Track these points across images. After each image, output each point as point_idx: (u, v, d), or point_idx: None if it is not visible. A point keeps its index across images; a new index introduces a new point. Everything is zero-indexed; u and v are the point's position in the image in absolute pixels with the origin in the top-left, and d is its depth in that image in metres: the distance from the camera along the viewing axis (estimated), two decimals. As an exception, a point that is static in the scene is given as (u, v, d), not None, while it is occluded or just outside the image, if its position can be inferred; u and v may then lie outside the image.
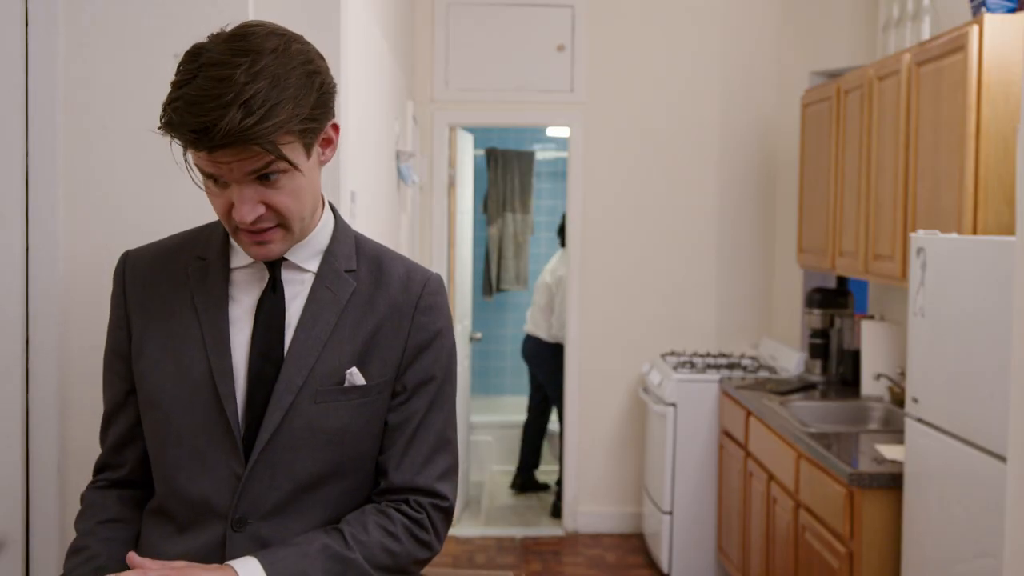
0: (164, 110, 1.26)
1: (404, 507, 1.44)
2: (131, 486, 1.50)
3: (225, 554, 1.37)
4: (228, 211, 1.33)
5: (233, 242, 1.43)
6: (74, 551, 1.43)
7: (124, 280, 1.47)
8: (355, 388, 1.41)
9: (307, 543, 1.36)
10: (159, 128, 1.27)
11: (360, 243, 1.51)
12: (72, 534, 1.48)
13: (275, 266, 1.43)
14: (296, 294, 1.44)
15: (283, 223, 1.36)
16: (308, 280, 1.44)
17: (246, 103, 1.23)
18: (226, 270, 1.44)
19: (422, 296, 1.47)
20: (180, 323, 1.42)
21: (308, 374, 1.39)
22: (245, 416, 1.39)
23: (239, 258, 1.44)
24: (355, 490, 1.46)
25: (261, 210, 1.32)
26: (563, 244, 5.74)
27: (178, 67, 1.28)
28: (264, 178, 1.30)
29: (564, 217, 5.74)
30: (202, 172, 1.31)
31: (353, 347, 1.42)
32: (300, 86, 1.28)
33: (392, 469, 1.45)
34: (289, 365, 1.39)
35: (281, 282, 1.43)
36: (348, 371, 1.41)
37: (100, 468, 1.52)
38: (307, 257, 1.44)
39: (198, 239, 1.48)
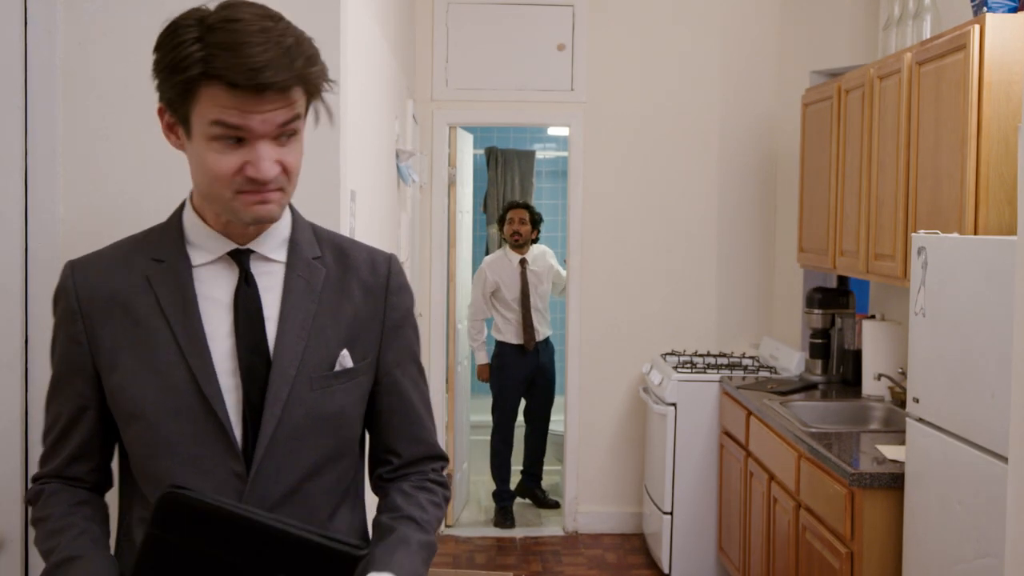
0: (188, 58, 1.24)
1: (434, 476, 1.56)
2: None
3: None
4: (234, 173, 1.31)
5: (192, 239, 1.41)
6: (58, 530, 1.38)
7: (76, 293, 1.40)
8: (345, 371, 1.44)
9: (405, 542, 1.42)
10: (190, 75, 1.24)
11: (316, 231, 1.52)
12: None
13: (244, 259, 1.42)
14: (269, 285, 1.43)
15: (284, 186, 1.36)
16: (278, 270, 1.44)
17: (290, 48, 1.27)
18: (188, 269, 1.40)
19: (390, 277, 1.52)
20: (149, 329, 1.38)
21: (299, 363, 1.40)
22: (240, 413, 1.38)
23: (200, 255, 1.41)
24: (345, 473, 1.50)
25: (279, 168, 1.33)
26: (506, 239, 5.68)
27: (177, 30, 1.27)
28: (278, 136, 1.32)
29: (505, 211, 5.73)
30: (218, 129, 1.28)
31: (337, 332, 1.44)
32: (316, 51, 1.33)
33: (403, 446, 1.54)
34: (280, 356, 1.39)
35: (252, 274, 1.42)
36: (340, 354, 1.44)
37: (45, 475, 1.46)
38: (274, 247, 1.44)
39: (148, 242, 1.44)
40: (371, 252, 1.54)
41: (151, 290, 1.39)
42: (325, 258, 1.48)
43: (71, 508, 1.41)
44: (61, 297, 1.42)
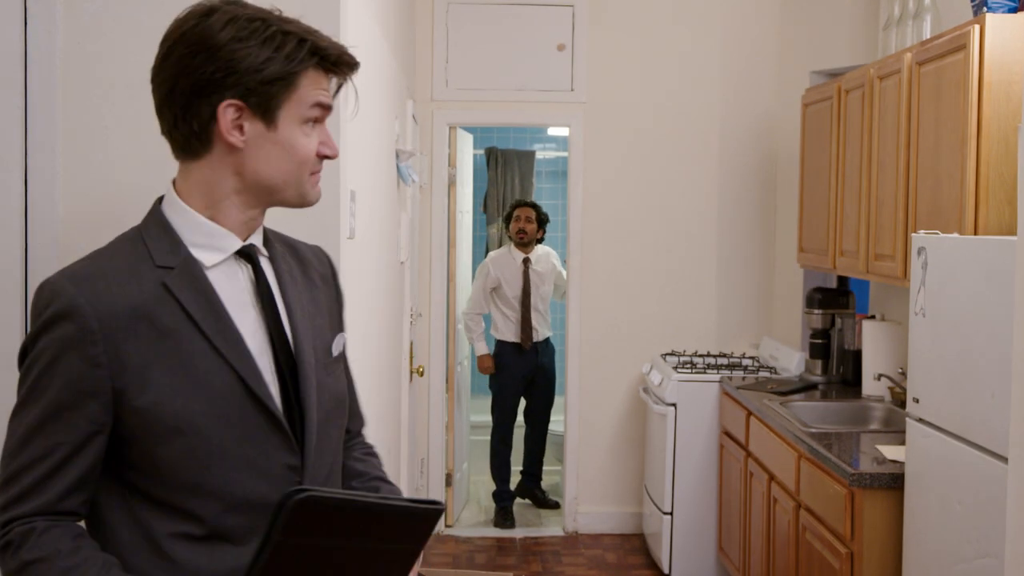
0: (299, 47, 1.32)
1: (368, 442, 1.70)
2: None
3: None
4: (315, 153, 1.39)
5: (196, 240, 1.37)
6: (73, 567, 1.26)
7: (93, 311, 1.28)
8: (340, 354, 1.52)
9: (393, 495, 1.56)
10: (306, 64, 1.33)
11: (265, 227, 1.53)
12: None
13: (254, 254, 1.42)
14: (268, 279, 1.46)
15: None
16: (266, 264, 1.45)
17: None
18: (202, 271, 1.36)
19: (331, 265, 1.60)
20: (179, 340, 1.31)
21: (314, 350, 1.44)
22: (282, 407, 1.38)
23: (211, 255, 1.37)
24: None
25: None
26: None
27: (249, 25, 1.31)
28: None
29: (512, 209, 5.76)
30: (316, 111, 1.37)
31: (323, 319, 1.50)
32: None
33: (352, 423, 1.63)
34: (300, 345, 1.41)
35: (263, 269, 1.43)
36: (336, 339, 1.50)
37: (32, 513, 1.29)
38: (259, 242, 1.46)
39: (141, 248, 1.36)
40: (308, 245, 1.59)
41: (172, 298, 1.32)
42: (284, 251, 1.51)
43: (75, 542, 1.29)
44: (68, 317, 1.28)
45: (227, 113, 1.31)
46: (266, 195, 1.39)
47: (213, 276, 1.37)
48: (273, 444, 1.35)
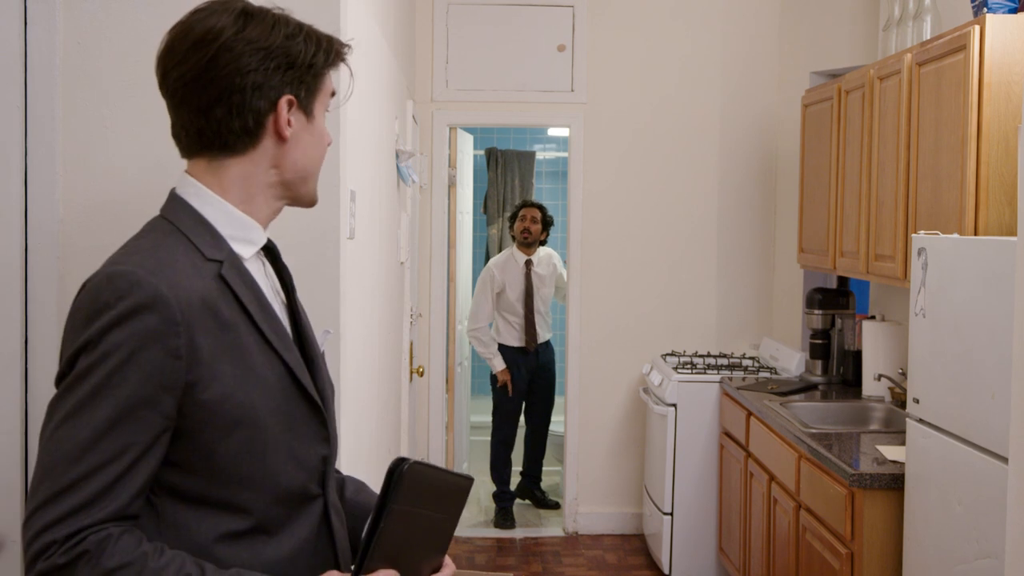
0: (330, 44, 1.40)
1: None
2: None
3: (331, 524, 1.42)
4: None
5: (232, 233, 1.37)
6: (161, 568, 1.22)
7: (177, 301, 1.25)
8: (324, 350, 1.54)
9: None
10: (337, 60, 1.42)
11: None
12: None
13: (273, 247, 1.46)
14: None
15: None
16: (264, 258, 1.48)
17: None
18: (243, 264, 1.37)
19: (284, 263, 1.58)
20: (237, 332, 1.31)
21: (315, 343, 1.48)
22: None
23: (247, 248, 1.39)
24: None
25: None
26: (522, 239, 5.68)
27: (287, 25, 1.37)
28: None
29: (518, 208, 5.75)
30: (333, 99, 1.46)
31: (304, 315, 1.52)
32: None
33: None
34: (309, 338, 1.46)
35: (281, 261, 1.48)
36: (321, 333, 1.52)
37: (103, 520, 1.21)
38: None
39: (186, 243, 1.34)
40: None
41: (229, 291, 1.32)
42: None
43: (153, 543, 1.24)
44: (150, 308, 1.23)
45: (284, 107, 1.37)
46: (295, 187, 1.43)
47: (250, 269, 1.39)
48: (312, 433, 1.39)
